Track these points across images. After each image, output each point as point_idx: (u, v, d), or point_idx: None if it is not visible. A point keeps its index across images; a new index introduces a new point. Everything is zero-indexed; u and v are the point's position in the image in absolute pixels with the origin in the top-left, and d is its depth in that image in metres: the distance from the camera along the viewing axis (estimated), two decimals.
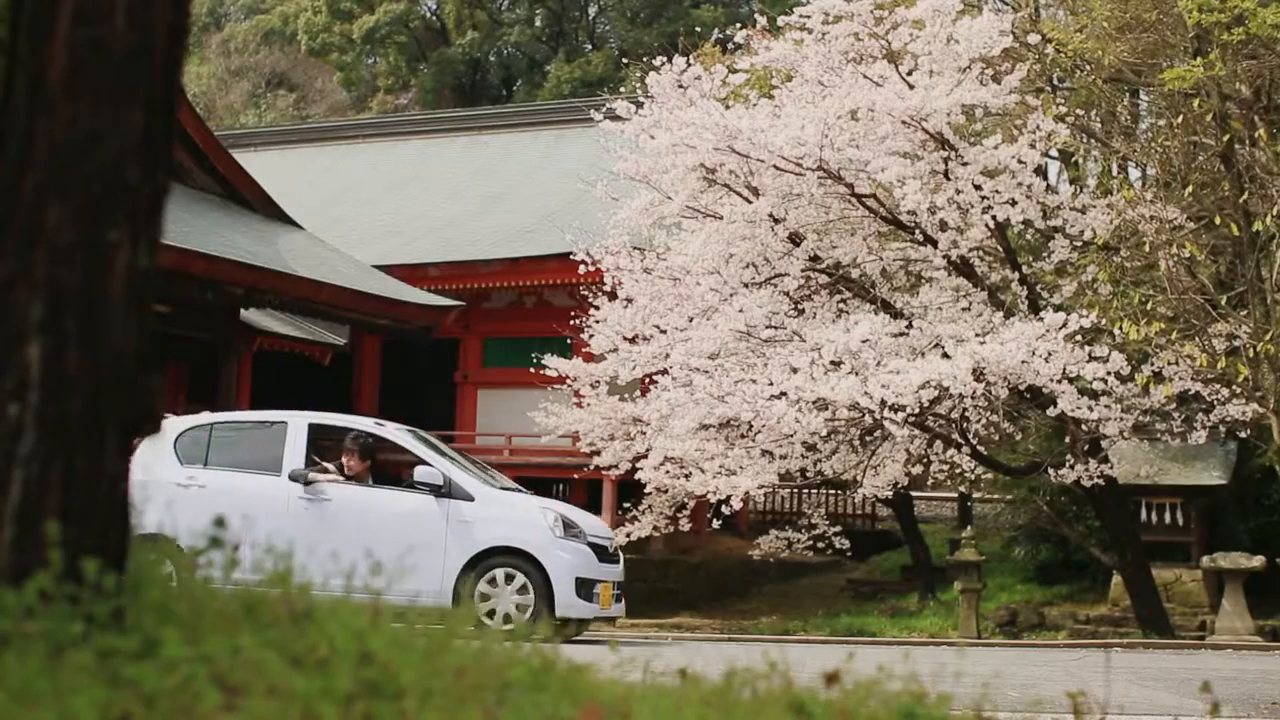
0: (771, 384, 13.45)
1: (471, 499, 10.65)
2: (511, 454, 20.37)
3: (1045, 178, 15.85)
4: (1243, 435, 14.59)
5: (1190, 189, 13.86)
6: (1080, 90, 15.60)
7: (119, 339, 2.17)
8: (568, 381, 16.91)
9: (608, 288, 15.83)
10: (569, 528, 10.73)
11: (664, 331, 15.04)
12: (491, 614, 10.23)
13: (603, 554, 10.99)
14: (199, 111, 22.23)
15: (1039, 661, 9.42)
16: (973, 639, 14.44)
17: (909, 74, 14.08)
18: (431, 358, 21.99)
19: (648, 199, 15.40)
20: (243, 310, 18.85)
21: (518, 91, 43.30)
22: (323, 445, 11.49)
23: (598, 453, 16.50)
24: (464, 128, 27.65)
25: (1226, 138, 13.29)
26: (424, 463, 10.91)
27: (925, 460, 15.14)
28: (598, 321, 15.92)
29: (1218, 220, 13.45)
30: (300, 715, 1.90)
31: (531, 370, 17.22)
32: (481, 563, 10.42)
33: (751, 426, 13.95)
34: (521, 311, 21.62)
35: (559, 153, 24.90)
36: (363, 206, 25.11)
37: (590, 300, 16.52)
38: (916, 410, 13.09)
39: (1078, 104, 15.52)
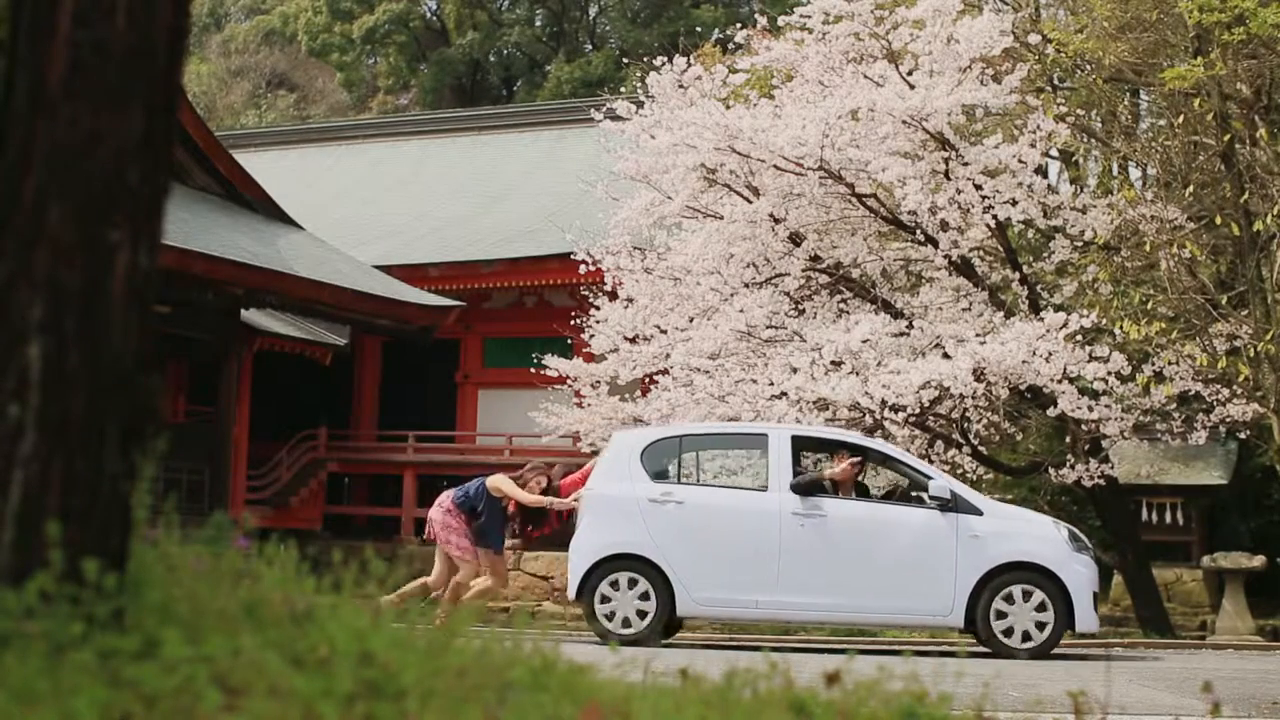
0: (772, 384, 13.45)
1: (980, 513, 10.07)
2: (512, 454, 20.37)
3: (1046, 177, 15.85)
4: (1243, 435, 14.60)
5: (1191, 189, 13.87)
6: (1080, 90, 15.61)
7: (119, 339, 2.17)
8: (568, 381, 16.89)
9: (608, 288, 15.82)
10: (1074, 540, 10.27)
11: (664, 331, 15.03)
12: (1007, 632, 9.83)
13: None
14: (199, 111, 22.23)
15: (1039, 661, 9.42)
16: (973, 639, 14.41)
17: (909, 74, 14.08)
18: (432, 358, 22.00)
19: (648, 199, 15.40)
20: (243, 310, 18.86)
21: (518, 91, 43.31)
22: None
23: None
24: (465, 128, 27.67)
25: (1227, 137, 13.30)
26: (924, 475, 10.38)
27: (926, 460, 15.13)
28: (598, 321, 15.91)
29: (1218, 220, 13.46)
30: (301, 715, 1.90)
31: (532, 370, 17.21)
32: (993, 580, 9.91)
33: None
34: (522, 311, 21.63)
35: (559, 153, 24.91)
36: (363, 206, 25.12)
37: (591, 300, 16.52)
38: (917, 410, 13.10)
39: (1078, 104, 15.53)
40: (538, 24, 44.86)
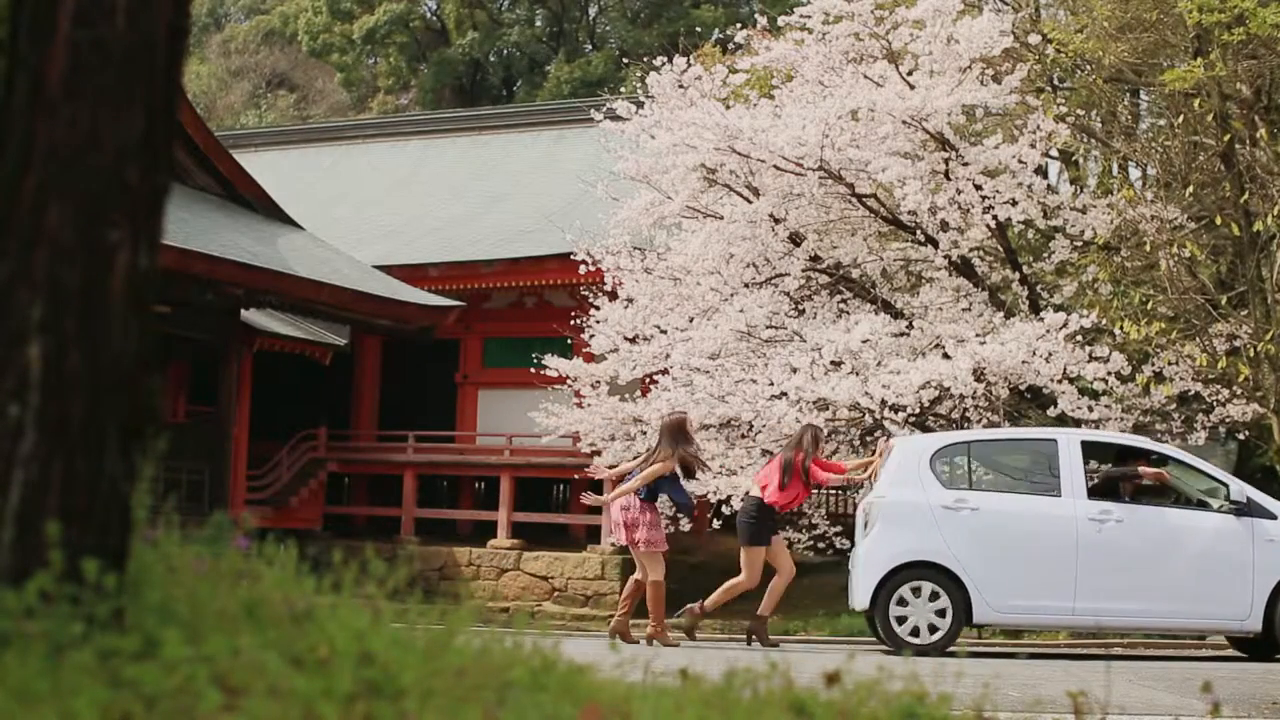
0: (772, 384, 13.46)
1: (1274, 517, 10.03)
2: (512, 454, 20.39)
3: (1046, 178, 15.85)
4: (1243, 435, 14.59)
5: (1191, 189, 13.86)
6: (1080, 90, 15.60)
7: (119, 339, 2.17)
8: (568, 382, 16.89)
9: (608, 288, 15.82)
10: None
11: (664, 331, 15.03)
12: None
13: None
14: (199, 111, 22.24)
15: (1039, 661, 9.42)
16: (973, 639, 14.43)
17: (909, 74, 14.09)
18: (432, 358, 22.00)
19: (648, 199, 15.40)
20: (243, 310, 18.86)
21: (518, 91, 43.31)
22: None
23: (598, 453, 16.49)
24: (465, 128, 27.66)
25: (1227, 137, 13.29)
26: (1218, 480, 10.31)
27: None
28: (598, 321, 15.91)
29: (1218, 220, 13.45)
30: (301, 715, 1.90)
31: (532, 370, 17.21)
32: None
33: (752, 426, 13.96)
34: (522, 311, 21.63)
35: (560, 153, 24.90)
36: (363, 207, 25.12)
37: (591, 300, 16.52)
38: (917, 410, 13.10)
39: (1078, 104, 15.52)
40: (538, 24, 44.86)
